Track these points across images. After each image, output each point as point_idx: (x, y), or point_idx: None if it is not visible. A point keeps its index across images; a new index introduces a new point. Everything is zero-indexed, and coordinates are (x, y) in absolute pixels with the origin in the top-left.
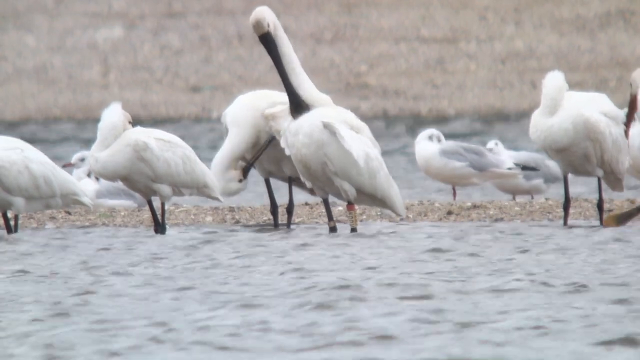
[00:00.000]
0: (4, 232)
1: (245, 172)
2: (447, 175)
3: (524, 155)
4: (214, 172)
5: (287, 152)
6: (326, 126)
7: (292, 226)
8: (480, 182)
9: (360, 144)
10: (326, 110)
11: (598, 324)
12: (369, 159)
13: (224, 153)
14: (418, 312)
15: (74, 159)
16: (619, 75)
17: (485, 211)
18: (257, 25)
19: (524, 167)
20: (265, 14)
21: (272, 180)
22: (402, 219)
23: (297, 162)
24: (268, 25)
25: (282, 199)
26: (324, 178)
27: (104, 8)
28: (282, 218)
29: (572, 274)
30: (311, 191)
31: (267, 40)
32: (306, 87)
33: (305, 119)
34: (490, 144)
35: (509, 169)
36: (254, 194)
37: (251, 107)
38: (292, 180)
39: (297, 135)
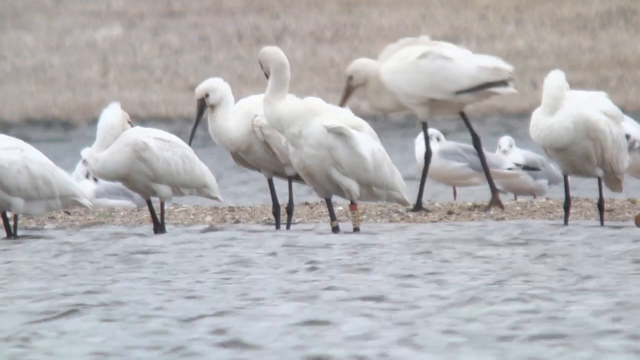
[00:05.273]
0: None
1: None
2: (446, 175)
3: (532, 154)
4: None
5: (291, 160)
6: (331, 130)
7: (291, 226)
8: (480, 182)
9: (366, 141)
10: (326, 116)
11: None
12: (373, 153)
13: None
14: None
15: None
16: (620, 75)
17: (486, 211)
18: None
19: (526, 167)
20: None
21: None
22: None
23: (300, 170)
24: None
25: (281, 200)
26: (328, 183)
27: (103, 7)
28: (283, 218)
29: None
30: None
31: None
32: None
33: (309, 129)
34: (506, 141)
35: (509, 169)
36: (253, 193)
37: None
38: (292, 180)
39: (301, 147)
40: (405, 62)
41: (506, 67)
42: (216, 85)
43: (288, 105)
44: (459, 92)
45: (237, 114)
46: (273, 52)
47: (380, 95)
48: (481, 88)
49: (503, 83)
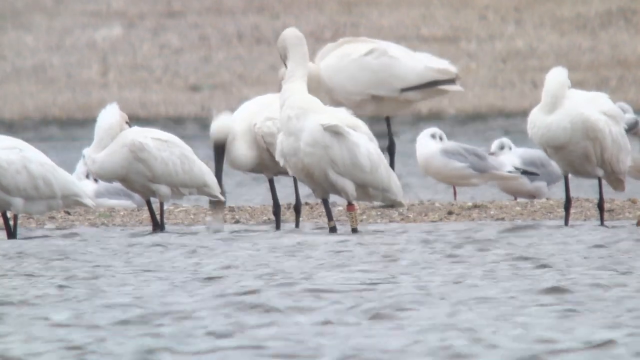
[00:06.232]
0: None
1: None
2: (447, 175)
3: (530, 152)
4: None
5: (282, 163)
6: (327, 129)
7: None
8: (479, 183)
9: (362, 141)
10: (323, 115)
11: None
12: (369, 154)
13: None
14: None
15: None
16: (620, 75)
17: (486, 211)
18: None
19: (524, 172)
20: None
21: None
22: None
23: (299, 170)
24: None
25: (283, 199)
26: (326, 183)
27: (103, 7)
28: (284, 218)
29: None
30: None
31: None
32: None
33: (304, 128)
34: (496, 143)
35: (509, 172)
36: (253, 192)
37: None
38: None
39: (297, 143)
40: (348, 60)
41: (452, 68)
42: (227, 124)
43: (303, 90)
44: (404, 90)
45: (249, 146)
46: (287, 30)
47: (318, 95)
48: (427, 86)
49: (450, 82)
